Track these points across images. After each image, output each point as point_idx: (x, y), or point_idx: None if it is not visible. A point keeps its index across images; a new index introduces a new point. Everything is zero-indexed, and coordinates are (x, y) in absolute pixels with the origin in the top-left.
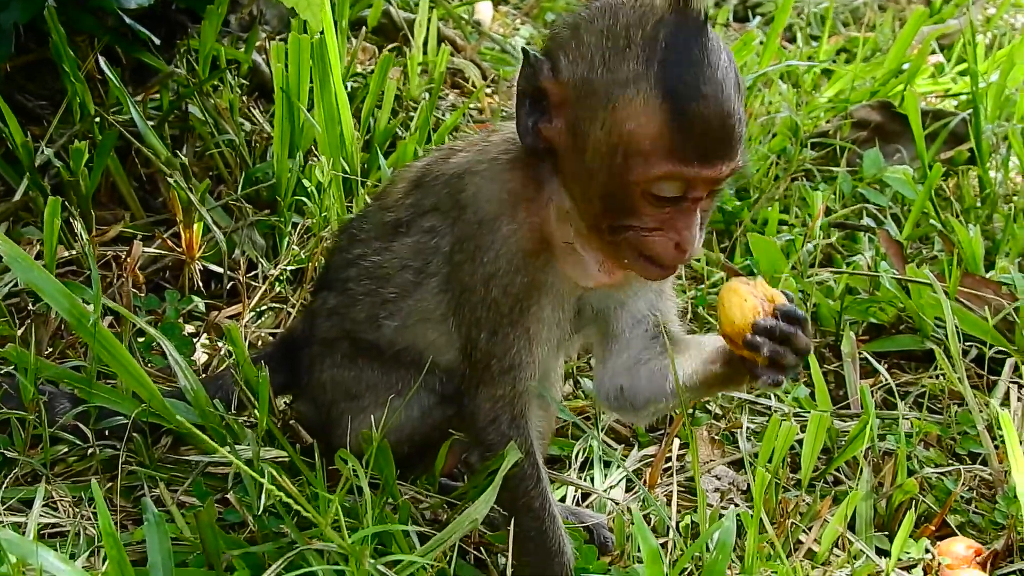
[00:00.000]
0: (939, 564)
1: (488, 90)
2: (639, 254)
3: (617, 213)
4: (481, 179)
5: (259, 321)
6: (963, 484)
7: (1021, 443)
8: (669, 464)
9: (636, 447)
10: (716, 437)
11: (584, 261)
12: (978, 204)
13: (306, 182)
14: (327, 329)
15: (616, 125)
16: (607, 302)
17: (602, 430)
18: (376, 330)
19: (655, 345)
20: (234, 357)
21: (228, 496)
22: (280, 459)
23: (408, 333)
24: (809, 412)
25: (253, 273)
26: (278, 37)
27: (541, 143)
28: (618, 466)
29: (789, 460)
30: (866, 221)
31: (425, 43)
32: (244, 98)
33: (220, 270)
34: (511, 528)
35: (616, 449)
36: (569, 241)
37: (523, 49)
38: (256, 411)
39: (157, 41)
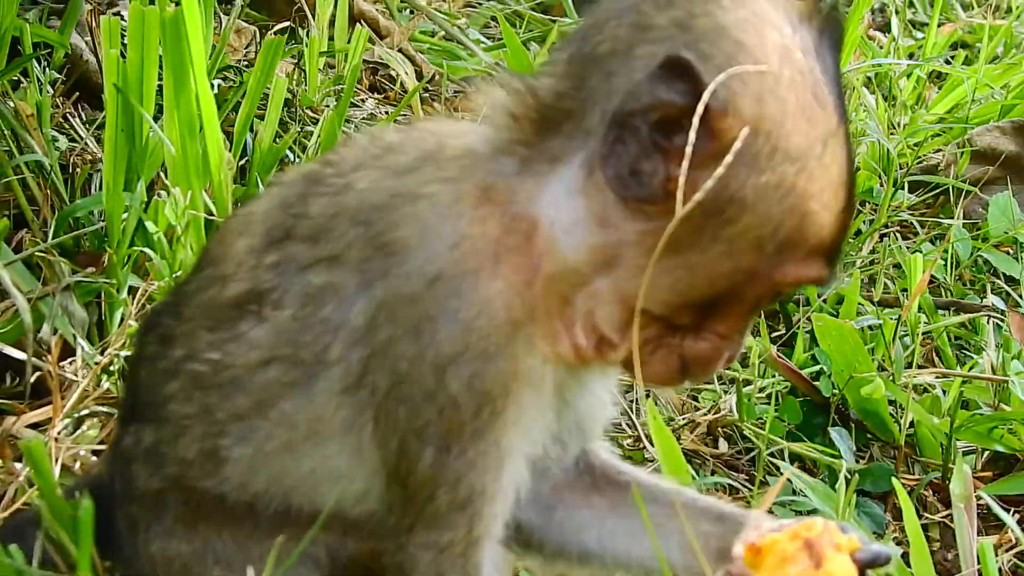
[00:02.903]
0: None
1: (426, 94)
2: (677, 356)
3: (705, 310)
4: (430, 211)
5: (77, 433)
6: None
7: None
8: None
9: None
10: None
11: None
12: None
13: (150, 226)
14: (147, 478)
15: (800, 200)
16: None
17: None
18: (216, 470)
19: (584, 479)
20: (36, 487)
21: None
22: None
23: (274, 466)
24: None
25: (70, 360)
26: (110, 11)
27: (658, 198)
28: None
29: None
30: (991, 300)
31: (332, 23)
32: (59, 100)
33: (20, 355)
34: None
35: None
36: (554, 316)
37: (670, 58)
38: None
39: None
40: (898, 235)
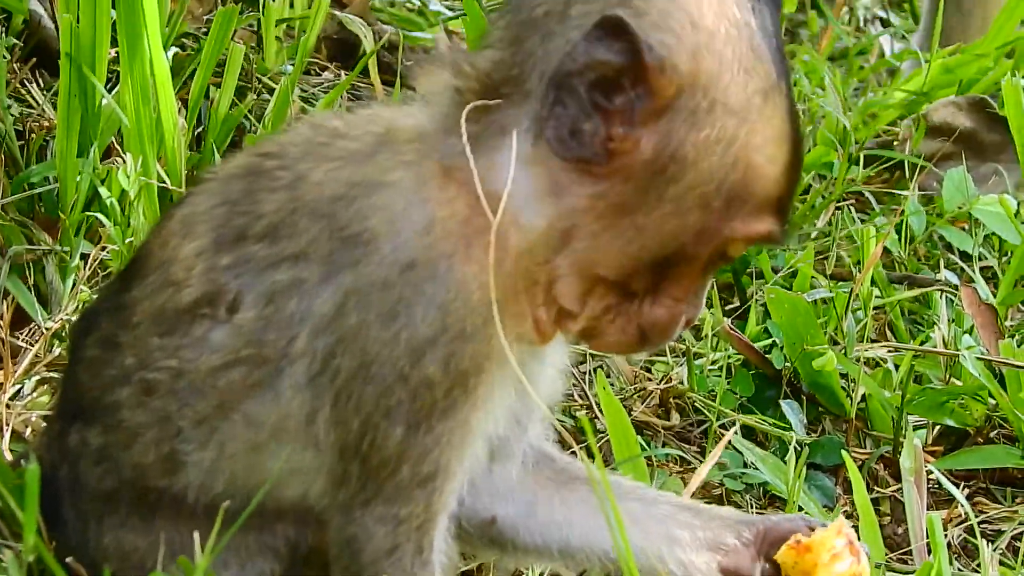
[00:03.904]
0: None
1: (386, 58)
2: (635, 324)
3: (660, 271)
4: (395, 198)
5: (28, 399)
6: None
7: None
8: None
9: None
10: None
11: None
12: None
13: (104, 191)
14: (98, 478)
15: (743, 153)
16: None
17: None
18: (175, 473)
19: (546, 472)
20: None
21: None
22: None
23: (237, 466)
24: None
25: (23, 327)
26: None
27: (600, 158)
28: None
29: None
30: (944, 275)
31: None
32: (16, 66)
33: None
34: None
35: None
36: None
37: (605, 17)
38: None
39: None
40: (852, 208)
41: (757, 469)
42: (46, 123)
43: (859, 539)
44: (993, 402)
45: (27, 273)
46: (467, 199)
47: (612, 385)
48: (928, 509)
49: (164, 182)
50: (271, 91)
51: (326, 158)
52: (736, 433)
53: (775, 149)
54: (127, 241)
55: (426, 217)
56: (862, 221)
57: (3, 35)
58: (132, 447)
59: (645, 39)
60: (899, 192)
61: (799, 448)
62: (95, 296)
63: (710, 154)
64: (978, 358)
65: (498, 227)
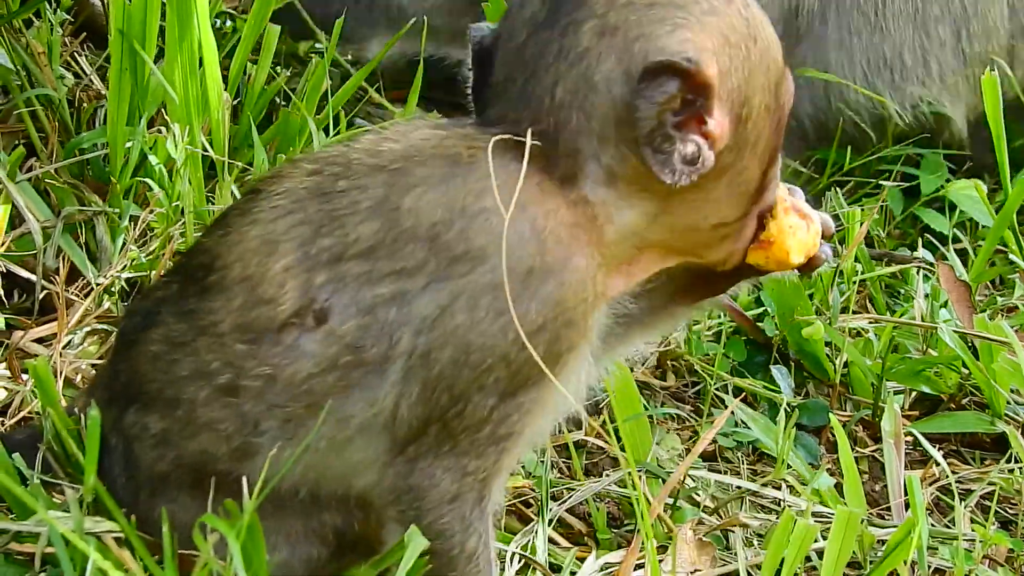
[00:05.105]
0: None
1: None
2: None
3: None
4: (501, 219)
5: (79, 349)
6: None
7: None
8: None
9: (594, 550)
10: (705, 538)
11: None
12: None
13: (153, 158)
14: (154, 460)
15: (768, 55)
16: None
17: (550, 523)
18: (243, 460)
19: None
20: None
21: None
22: (112, 534)
23: (313, 458)
24: (834, 511)
25: (73, 283)
26: None
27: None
28: None
29: (804, 575)
30: (921, 253)
31: None
32: (68, 40)
33: (30, 276)
34: None
35: (567, 552)
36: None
37: (647, 68)
38: (71, 475)
39: None
40: (837, 188)
41: (748, 428)
42: (93, 93)
43: (825, 464)
44: (966, 371)
45: (79, 232)
46: (566, 207)
47: None
48: (906, 469)
49: (207, 151)
50: (304, 64)
51: (409, 186)
52: (730, 395)
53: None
54: (173, 204)
55: (534, 230)
56: (847, 200)
57: (56, 11)
58: (198, 437)
59: (679, 56)
60: (881, 171)
61: (788, 410)
62: (150, 293)
63: (758, 73)
64: (954, 331)
65: (596, 225)
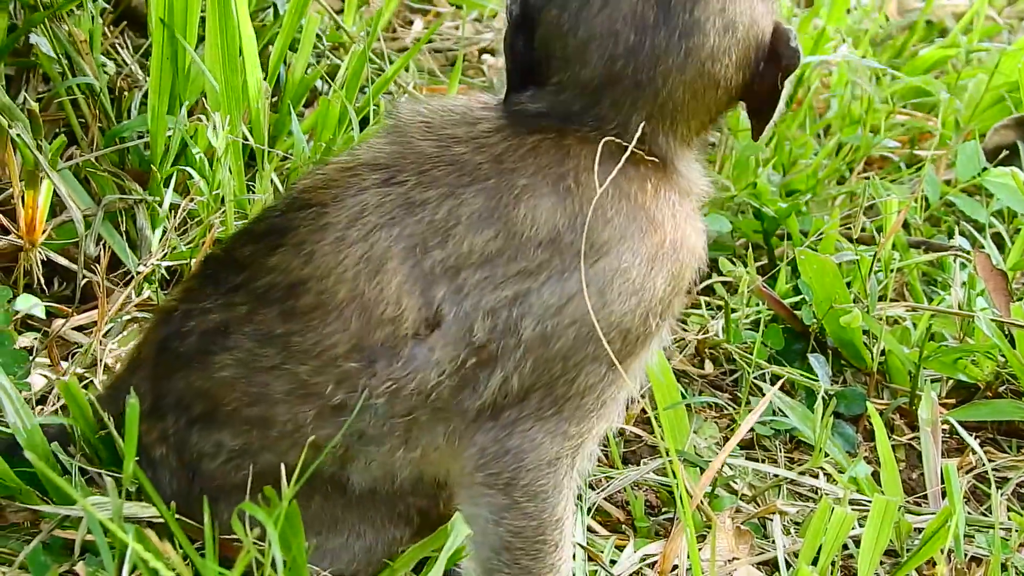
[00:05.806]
0: None
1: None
2: None
3: None
4: (623, 206)
5: (120, 337)
6: None
7: None
8: (677, 567)
9: (632, 538)
10: (743, 527)
11: None
12: None
13: (193, 148)
14: (229, 472)
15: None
16: None
17: (588, 511)
18: (344, 465)
19: None
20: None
21: (77, 570)
22: (151, 520)
23: (418, 455)
24: (872, 498)
25: (113, 271)
26: None
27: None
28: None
29: (841, 562)
30: (958, 241)
31: None
32: (108, 29)
33: (70, 264)
34: None
35: (605, 541)
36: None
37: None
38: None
39: None
40: (876, 174)
41: (785, 416)
42: (134, 82)
43: (862, 453)
44: (1003, 359)
45: (119, 220)
46: (667, 185)
47: None
48: (943, 457)
49: (247, 140)
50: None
51: (517, 195)
52: (768, 384)
53: None
54: (213, 193)
55: (649, 218)
56: (882, 186)
57: (97, 1)
58: (290, 453)
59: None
60: (920, 154)
61: (826, 398)
62: (191, 307)
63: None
64: (991, 319)
65: (690, 196)
